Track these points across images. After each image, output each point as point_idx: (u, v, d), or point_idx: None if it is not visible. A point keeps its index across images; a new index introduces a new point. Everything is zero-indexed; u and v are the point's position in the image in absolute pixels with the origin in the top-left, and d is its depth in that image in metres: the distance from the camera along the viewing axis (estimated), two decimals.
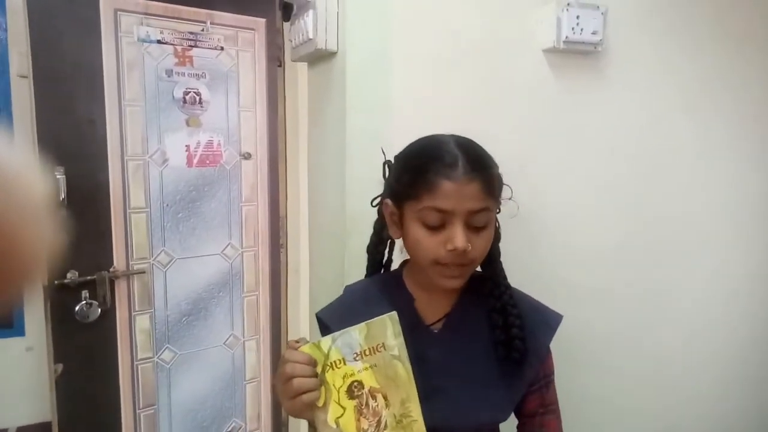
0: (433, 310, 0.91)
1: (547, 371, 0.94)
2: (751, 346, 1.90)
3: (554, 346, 0.96)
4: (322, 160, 1.56)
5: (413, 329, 0.86)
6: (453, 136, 0.87)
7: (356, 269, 1.40)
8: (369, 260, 1.02)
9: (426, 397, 0.82)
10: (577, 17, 1.40)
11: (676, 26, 1.61)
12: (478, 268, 0.92)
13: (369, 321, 0.79)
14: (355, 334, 0.79)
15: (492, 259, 0.91)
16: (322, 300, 1.65)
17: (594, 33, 1.43)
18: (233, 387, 1.69)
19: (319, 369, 0.78)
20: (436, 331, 0.90)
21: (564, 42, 1.40)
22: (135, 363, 1.53)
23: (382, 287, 0.95)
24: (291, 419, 1.81)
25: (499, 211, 0.91)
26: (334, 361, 0.78)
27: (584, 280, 1.60)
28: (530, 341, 0.88)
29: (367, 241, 1.40)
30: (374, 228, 1.00)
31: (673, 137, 1.66)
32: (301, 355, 0.77)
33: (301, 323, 1.77)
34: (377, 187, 1.40)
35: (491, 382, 0.88)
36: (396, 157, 0.92)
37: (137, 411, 1.54)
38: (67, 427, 1.45)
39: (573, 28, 1.40)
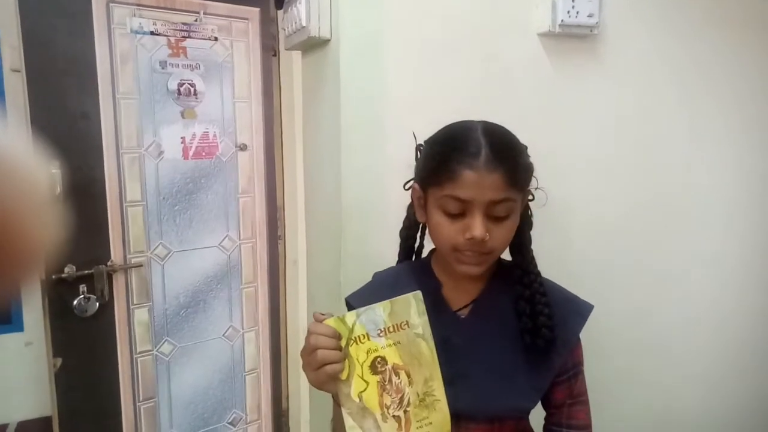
0: (460, 296, 0.91)
1: (576, 361, 0.93)
2: (745, 334, 1.89)
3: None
4: (318, 149, 1.56)
5: (439, 315, 0.86)
6: (483, 122, 0.86)
7: (352, 259, 1.40)
8: (401, 244, 1.02)
9: (449, 382, 0.81)
10: (573, 0, 1.39)
11: (672, 9, 1.60)
12: (508, 256, 0.91)
13: (393, 299, 0.80)
14: (380, 310, 0.79)
15: (522, 247, 0.91)
16: (319, 291, 1.66)
17: (590, 16, 1.42)
18: (233, 378, 1.69)
19: (343, 343, 0.78)
20: (462, 317, 0.90)
21: (560, 25, 1.39)
22: (134, 356, 1.53)
23: (410, 274, 0.95)
24: (291, 410, 1.81)
25: (533, 198, 0.91)
26: (358, 336, 0.79)
27: (581, 261, 1.60)
28: (560, 330, 0.87)
29: (363, 230, 1.40)
30: (407, 212, 1.00)
31: (670, 121, 1.65)
32: (326, 327, 0.77)
33: (299, 314, 1.76)
34: (373, 177, 1.40)
35: (516, 370, 0.87)
36: (426, 142, 0.91)
37: (137, 404, 1.55)
38: (68, 421, 1.45)
39: (569, 12, 1.39)
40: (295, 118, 1.67)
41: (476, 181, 0.78)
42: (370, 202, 1.39)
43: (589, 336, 1.60)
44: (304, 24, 1.34)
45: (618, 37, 1.53)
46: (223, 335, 1.66)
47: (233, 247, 1.64)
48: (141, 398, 1.55)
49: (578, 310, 0.92)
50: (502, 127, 0.86)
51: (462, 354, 0.87)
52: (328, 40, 1.36)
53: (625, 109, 1.59)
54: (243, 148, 1.61)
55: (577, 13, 1.40)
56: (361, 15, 1.31)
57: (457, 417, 0.83)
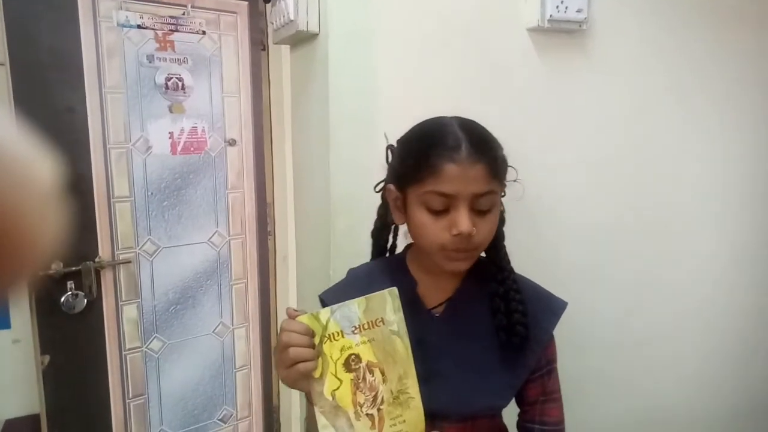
0: (435, 294, 0.90)
1: (549, 358, 0.92)
2: (736, 330, 1.91)
3: None
4: (307, 145, 1.55)
5: (414, 313, 0.85)
6: (456, 117, 0.86)
7: (342, 254, 1.40)
8: (373, 245, 1.01)
9: (424, 380, 0.81)
10: None
11: (662, 3, 1.60)
12: (482, 253, 0.91)
13: (368, 295, 0.79)
14: (354, 307, 0.78)
15: (496, 243, 0.90)
16: (308, 286, 1.65)
17: (579, 11, 1.43)
18: (223, 375, 1.68)
19: (316, 340, 0.77)
20: (437, 315, 0.90)
21: (548, 20, 1.39)
22: (123, 353, 1.52)
23: (385, 270, 0.94)
24: (282, 406, 1.81)
25: (504, 195, 0.90)
26: (332, 333, 0.77)
27: (571, 260, 1.60)
28: (533, 327, 0.87)
29: (352, 226, 1.40)
30: (378, 213, 0.99)
31: (661, 117, 1.66)
32: (299, 324, 0.76)
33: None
34: (362, 172, 1.39)
35: (491, 368, 0.87)
36: (399, 141, 0.90)
37: (127, 401, 1.54)
38: (56, 418, 1.44)
39: (557, 6, 1.39)
40: (285, 113, 1.66)
41: (459, 174, 0.77)
42: (360, 198, 1.38)
43: (578, 335, 1.63)
44: (292, 18, 1.33)
45: (607, 32, 1.53)
46: (213, 332, 1.65)
47: (222, 243, 1.63)
48: (130, 395, 1.54)
49: (552, 308, 0.92)
50: (476, 122, 0.86)
51: (437, 352, 0.86)
52: (317, 34, 1.35)
53: (615, 104, 1.59)
54: (232, 143, 1.60)
55: (566, 8, 1.40)
56: (349, 9, 1.30)
57: (431, 416, 0.82)
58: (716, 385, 1.91)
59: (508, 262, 0.92)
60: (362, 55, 1.31)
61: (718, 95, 1.73)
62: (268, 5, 1.58)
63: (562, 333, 0.99)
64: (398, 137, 0.90)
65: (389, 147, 0.92)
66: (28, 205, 0.27)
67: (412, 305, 0.86)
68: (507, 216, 0.94)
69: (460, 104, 1.39)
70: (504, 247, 0.92)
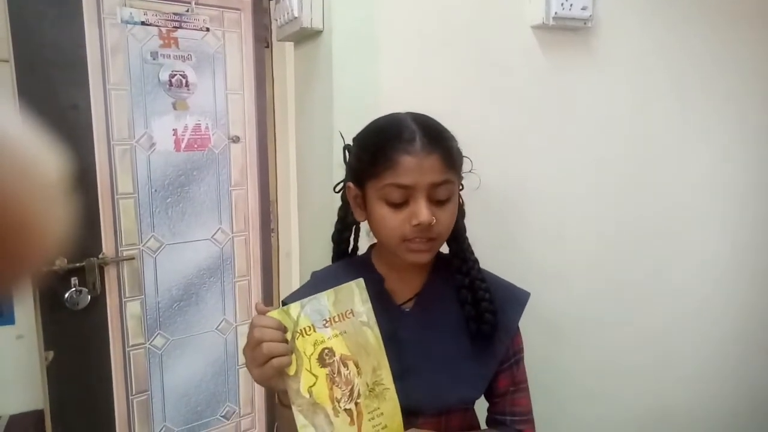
0: (403, 289, 0.91)
1: (516, 348, 0.94)
2: (736, 330, 1.90)
3: (536, 326, 0.96)
4: (310, 141, 1.55)
5: (385, 309, 0.85)
6: (409, 113, 0.87)
7: None
8: (334, 249, 1.00)
9: (398, 377, 0.81)
10: None
11: (666, 2, 1.59)
12: (445, 248, 0.92)
13: (336, 287, 0.78)
14: (324, 300, 0.78)
15: (457, 235, 0.91)
16: None
17: (583, 9, 1.42)
18: (226, 372, 1.69)
19: (288, 336, 0.76)
20: (407, 310, 0.90)
21: (553, 18, 1.39)
22: (127, 349, 1.52)
23: (350, 270, 0.93)
24: None
25: (462, 188, 0.91)
26: (304, 328, 0.76)
27: (573, 259, 1.60)
28: (500, 317, 0.88)
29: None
30: (338, 215, 0.98)
31: (663, 114, 1.65)
32: (270, 319, 0.75)
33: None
34: None
35: (462, 360, 0.88)
36: (354, 139, 0.91)
37: (130, 397, 1.54)
38: (60, 414, 1.44)
39: (562, 4, 1.39)
40: (289, 110, 1.66)
41: (416, 165, 0.79)
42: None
43: (578, 334, 1.62)
44: (296, 15, 1.33)
45: (611, 30, 1.53)
46: (216, 328, 1.65)
47: (226, 239, 1.63)
48: (134, 391, 1.55)
49: (516, 298, 0.93)
50: (429, 115, 0.87)
51: (409, 348, 0.86)
52: (321, 31, 1.35)
53: (619, 102, 1.58)
54: (235, 140, 1.60)
55: (571, 5, 1.40)
56: (353, 6, 1.30)
57: (405, 412, 0.82)
58: (716, 385, 1.91)
59: (472, 253, 0.93)
60: (366, 52, 1.31)
61: (721, 94, 1.72)
62: (272, 2, 1.58)
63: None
64: (353, 136, 0.91)
65: (346, 146, 0.93)
66: (35, 199, 0.27)
67: (381, 301, 0.86)
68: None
69: (463, 101, 1.39)
70: (466, 239, 0.93)
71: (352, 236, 1.00)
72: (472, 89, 1.40)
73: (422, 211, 0.79)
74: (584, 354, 1.65)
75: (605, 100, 1.56)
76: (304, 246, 1.69)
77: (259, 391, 1.75)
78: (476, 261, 0.92)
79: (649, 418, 1.82)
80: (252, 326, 0.76)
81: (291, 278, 1.75)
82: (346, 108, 1.33)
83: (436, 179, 0.80)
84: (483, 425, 0.97)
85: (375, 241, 0.93)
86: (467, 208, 0.94)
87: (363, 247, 1.01)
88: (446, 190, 0.82)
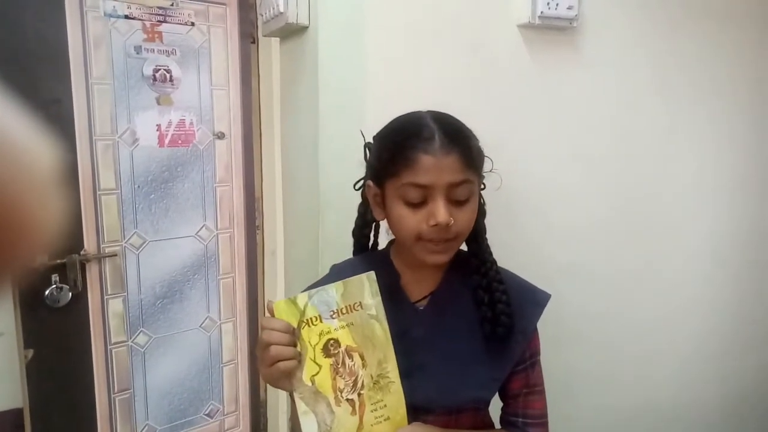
0: (419, 288, 0.90)
1: (533, 351, 0.92)
2: (724, 326, 1.93)
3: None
4: (295, 139, 1.54)
5: (398, 306, 0.86)
6: (430, 111, 0.86)
7: (330, 249, 1.39)
8: (355, 244, 1.00)
9: (408, 374, 0.81)
10: None
11: (652, 2, 1.61)
12: (464, 247, 0.91)
13: (346, 279, 0.79)
14: (332, 291, 0.78)
15: (477, 235, 0.90)
16: (297, 282, 1.64)
17: (569, 8, 1.43)
18: (210, 370, 1.67)
19: (294, 324, 0.77)
20: (421, 308, 0.90)
21: (539, 17, 1.39)
22: (109, 347, 1.50)
23: (368, 264, 0.93)
24: (269, 401, 1.81)
25: (484, 187, 0.90)
26: (310, 318, 0.77)
27: (562, 256, 1.61)
28: (517, 319, 0.87)
29: (340, 220, 1.39)
30: (358, 211, 0.99)
31: (650, 114, 1.67)
32: (279, 322, 0.77)
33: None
34: (351, 165, 1.39)
35: (475, 360, 0.87)
36: (374, 137, 0.91)
37: (112, 395, 1.52)
38: (40, 413, 1.42)
39: (548, 3, 1.39)
40: (274, 106, 1.65)
41: (434, 164, 0.78)
42: (349, 191, 1.37)
43: (563, 332, 1.63)
44: (281, 10, 1.32)
45: (597, 29, 1.54)
46: (200, 326, 1.64)
47: (210, 236, 1.62)
48: (116, 390, 1.53)
49: (535, 299, 0.92)
50: (449, 114, 0.87)
51: (421, 346, 0.86)
52: (306, 27, 1.34)
53: (605, 101, 1.60)
54: (220, 136, 1.59)
55: (557, 5, 1.40)
56: (339, 2, 1.29)
57: (415, 409, 0.83)
58: (702, 381, 1.93)
59: (490, 254, 0.92)
60: (352, 49, 1.30)
61: (706, 93, 1.74)
62: None
63: (547, 329, 0.99)
64: (374, 134, 0.91)
65: (366, 144, 0.93)
66: (29, 191, 0.26)
67: (395, 298, 0.87)
68: (495, 211, 0.94)
69: (450, 99, 1.38)
70: (485, 239, 0.92)
71: (372, 232, 1.00)
72: (457, 86, 1.40)
73: (440, 211, 0.78)
74: (572, 350, 1.67)
75: (591, 99, 1.57)
76: (289, 243, 1.68)
77: (243, 389, 1.74)
78: (494, 262, 0.91)
79: (634, 415, 1.83)
80: (262, 328, 0.77)
81: (276, 275, 1.74)
82: (332, 104, 1.33)
83: (455, 179, 0.79)
84: (497, 425, 0.96)
85: (393, 237, 0.93)
86: None
87: (383, 243, 1.01)
88: (465, 190, 0.81)
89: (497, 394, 0.92)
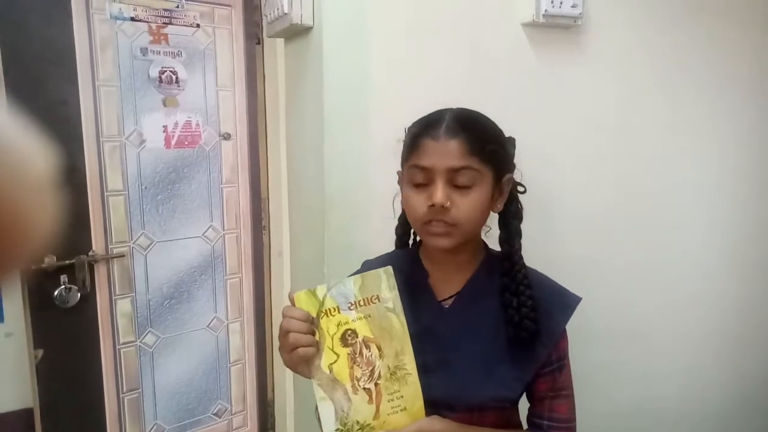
0: (446, 286, 0.91)
1: (560, 354, 0.91)
2: (725, 324, 1.92)
3: None
4: (301, 139, 1.55)
5: (425, 303, 0.88)
6: (458, 108, 0.88)
7: (336, 249, 1.40)
8: (396, 242, 1.03)
9: (431, 370, 0.82)
10: None
11: (654, 0, 1.60)
12: (497, 247, 0.91)
13: (363, 273, 0.82)
14: (350, 284, 0.81)
15: (510, 237, 0.91)
16: (303, 281, 1.65)
17: (573, 6, 1.43)
18: (218, 369, 1.68)
19: (314, 314, 0.80)
20: (446, 306, 0.90)
21: (543, 16, 1.39)
22: (117, 347, 1.51)
23: (398, 261, 0.94)
24: (277, 400, 1.81)
25: (524, 190, 0.94)
26: (329, 309, 0.80)
27: (562, 253, 1.61)
28: (545, 321, 0.87)
29: (345, 220, 1.40)
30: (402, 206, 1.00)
31: (653, 111, 1.67)
32: (298, 311, 0.80)
33: (284, 305, 1.75)
34: (356, 165, 1.39)
35: (499, 360, 0.87)
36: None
37: (121, 395, 1.53)
38: (49, 413, 1.43)
39: (552, 2, 1.39)
40: (280, 107, 1.66)
41: (436, 148, 0.81)
42: (354, 192, 1.39)
43: (572, 326, 1.63)
44: (286, 11, 1.33)
45: (601, 27, 1.53)
46: (208, 326, 1.65)
47: (217, 237, 1.62)
48: (124, 389, 1.54)
49: (565, 303, 0.91)
50: (477, 112, 0.88)
51: (445, 343, 0.87)
52: (311, 28, 1.35)
53: (608, 99, 1.59)
54: (226, 137, 1.59)
55: (561, 3, 1.40)
56: (343, 2, 1.30)
57: (436, 405, 0.83)
58: (709, 376, 1.93)
59: (521, 257, 0.91)
60: (356, 49, 1.31)
61: (710, 91, 1.74)
62: None
63: (568, 326, 0.99)
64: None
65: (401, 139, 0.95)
66: (24, 194, 0.26)
67: (422, 295, 0.89)
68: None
69: (454, 98, 1.38)
70: (519, 243, 0.92)
71: (412, 230, 1.01)
72: (461, 85, 1.40)
73: (437, 192, 0.80)
74: (573, 346, 1.66)
75: (595, 96, 1.57)
76: (295, 243, 1.69)
77: (251, 389, 1.75)
78: (524, 266, 0.91)
79: (641, 410, 1.83)
80: (283, 315, 0.81)
81: (282, 276, 1.74)
82: (337, 104, 1.33)
83: (455, 164, 0.80)
84: (525, 425, 0.95)
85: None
86: None
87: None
88: (467, 176, 0.81)
89: (525, 394, 0.92)
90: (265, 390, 1.78)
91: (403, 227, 1.01)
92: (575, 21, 1.45)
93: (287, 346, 0.79)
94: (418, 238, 1.00)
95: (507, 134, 1.49)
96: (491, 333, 0.88)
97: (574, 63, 1.53)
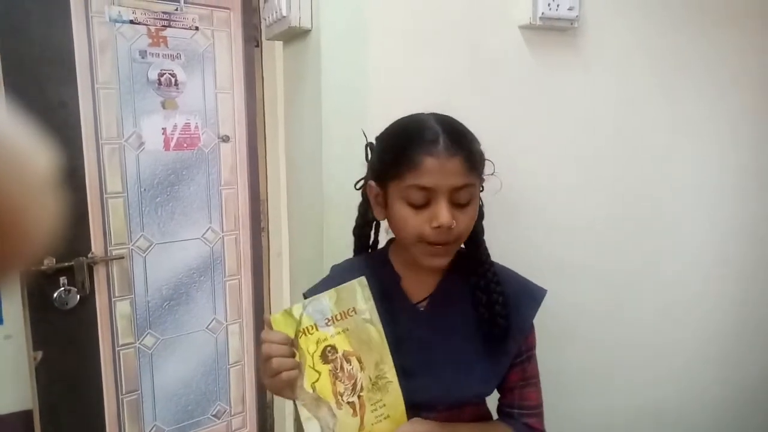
0: (419, 288, 0.92)
1: (529, 345, 0.95)
2: (726, 325, 1.93)
3: (535, 320, 0.97)
4: (300, 141, 1.55)
5: (399, 307, 0.88)
6: (433, 114, 0.87)
7: (335, 250, 1.40)
8: (355, 242, 1.02)
9: (411, 374, 0.83)
10: None
11: (653, 2, 1.61)
12: (462, 246, 0.92)
13: (338, 287, 0.81)
14: (325, 300, 0.80)
15: (475, 237, 0.92)
16: (302, 282, 1.65)
17: (570, 9, 1.43)
18: (217, 371, 1.68)
19: (292, 335, 0.79)
20: (421, 309, 0.91)
21: (540, 18, 1.40)
22: (116, 349, 1.52)
23: (368, 265, 0.95)
24: (276, 401, 1.82)
25: (482, 189, 0.91)
26: (307, 327, 0.80)
27: (562, 255, 1.61)
28: (514, 316, 0.89)
29: (344, 222, 1.39)
30: (359, 210, 1.00)
31: (651, 114, 1.67)
32: (277, 335, 0.78)
33: (284, 306, 1.76)
34: (355, 167, 1.39)
35: (475, 358, 0.89)
36: (377, 138, 0.91)
37: (120, 396, 1.54)
38: (49, 414, 1.44)
39: (549, 4, 1.40)
40: (279, 109, 1.66)
41: (438, 167, 0.79)
42: (353, 193, 1.38)
43: (564, 330, 1.64)
44: (284, 14, 1.34)
45: (598, 30, 1.54)
46: (207, 328, 1.65)
47: (216, 239, 1.63)
48: (124, 391, 1.54)
49: (532, 296, 0.94)
50: (452, 117, 0.88)
51: (423, 346, 0.88)
52: (309, 30, 1.35)
53: (606, 102, 1.60)
54: (225, 139, 1.60)
55: (558, 6, 1.41)
56: (342, 4, 1.30)
57: (417, 408, 0.85)
58: (709, 377, 1.93)
59: (488, 255, 0.93)
60: (354, 51, 1.31)
61: (707, 93, 1.74)
62: (262, 1, 1.58)
63: (547, 328, 1.00)
64: (377, 134, 0.91)
65: (368, 144, 0.94)
66: (24, 195, 0.27)
67: (397, 300, 0.89)
68: (495, 210, 0.95)
69: (452, 100, 1.39)
70: (483, 241, 0.94)
71: (373, 231, 1.02)
72: (459, 88, 1.40)
73: (443, 213, 0.79)
74: (572, 349, 1.67)
75: (592, 99, 1.58)
76: (294, 245, 1.69)
77: (250, 390, 1.75)
78: (492, 263, 0.92)
79: (636, 414, 1.83)
80: (262, 341, 0.79)
81: (281, 277, 1.75)
82: (335, 106, 1.34)
83: (458, 183, 0.80)
84: (495, 415, 0.98)
85: (393, 236, 0.94)
86: None
87: (383, 241, 1.02)
88: (467, 193, 0.82)
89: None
90: (264, 391, 1.79)
91: (362, 229, 1.00)
92: (572, 23, 1.46)
93: (271, 371, 0.77)
94: (386, 241, 1.00)
95: (505, 137, 1.51)
96: (467, 331, 0.90)
97: (572, 65, 1.53)
